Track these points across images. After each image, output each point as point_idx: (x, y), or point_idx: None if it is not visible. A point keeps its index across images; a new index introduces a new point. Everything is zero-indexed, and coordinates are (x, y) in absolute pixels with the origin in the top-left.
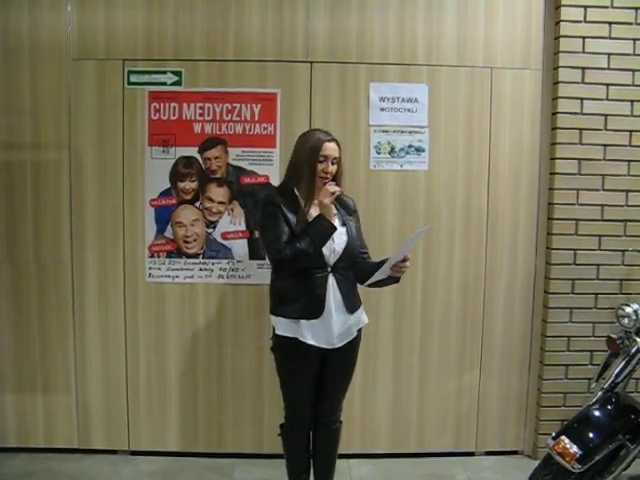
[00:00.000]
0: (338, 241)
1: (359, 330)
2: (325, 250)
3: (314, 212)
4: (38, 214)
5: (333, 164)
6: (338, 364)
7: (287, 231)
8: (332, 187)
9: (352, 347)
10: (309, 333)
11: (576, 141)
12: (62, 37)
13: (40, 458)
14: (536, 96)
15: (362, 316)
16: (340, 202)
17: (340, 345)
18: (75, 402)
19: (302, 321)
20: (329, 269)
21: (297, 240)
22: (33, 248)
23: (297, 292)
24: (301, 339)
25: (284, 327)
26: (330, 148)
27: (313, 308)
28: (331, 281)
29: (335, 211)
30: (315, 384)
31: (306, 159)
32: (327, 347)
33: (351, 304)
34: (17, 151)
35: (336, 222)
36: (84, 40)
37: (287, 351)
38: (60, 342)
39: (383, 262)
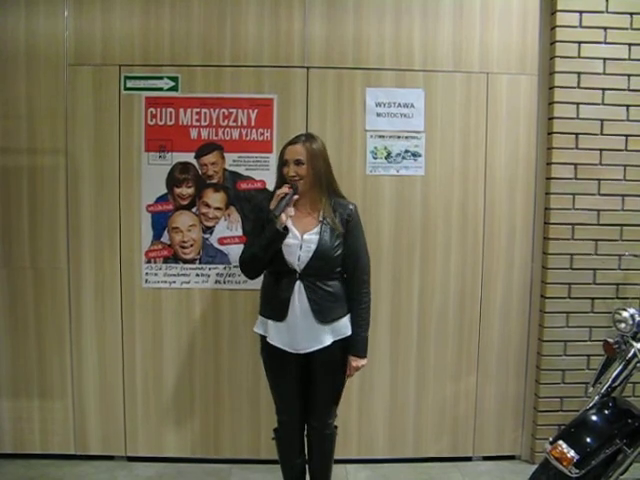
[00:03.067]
0: (305, 248)
1: (341, 341)
2: (288, 256)
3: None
4: (34, 219)
5: (299, 164)
6: (318, 371)
7: None
8: (280, 189)
9: (330, 357)
10: (275, 335)
11: (572, 146)
12: (59, 42)
13: (36, 464)
14: (532, 101)
15: (343, 328)
16: (335, 209)
17: (307, 352)
18: (72, 408)
19: (269, 322)
20: (297, 275)
21: (255, 245)
22: (29, 253)
23: (269, 294)
24: (268, 339)
25: (258, 325)
26: (290, 151)
27: (277, 311)
28: (298, 287)
29: (321, 217)
30: (301, 387)
31: (278, 166)
32: (291, 351)
33: (323, 313)
34: (13, 156)
35: (315, 229)
36: (81, 46)
37: (263, 349)
38: (56, 347)
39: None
